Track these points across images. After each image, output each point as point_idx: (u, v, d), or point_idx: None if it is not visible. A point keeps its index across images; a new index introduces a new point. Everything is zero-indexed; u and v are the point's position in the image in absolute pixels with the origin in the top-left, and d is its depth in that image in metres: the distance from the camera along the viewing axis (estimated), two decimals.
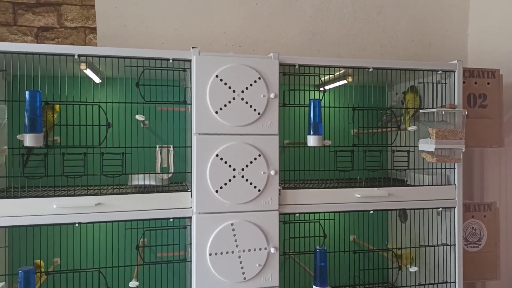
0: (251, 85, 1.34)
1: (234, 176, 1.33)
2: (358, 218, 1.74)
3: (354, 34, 2.04)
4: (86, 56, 1.25)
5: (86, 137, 1.27)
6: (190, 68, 1.33)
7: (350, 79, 1.61)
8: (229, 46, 1.89)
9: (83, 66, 1.34)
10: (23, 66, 1.31)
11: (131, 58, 1.28)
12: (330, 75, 1.60)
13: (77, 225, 1.24)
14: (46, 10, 1.72)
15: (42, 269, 1.33)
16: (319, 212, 1.45)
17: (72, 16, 1.74)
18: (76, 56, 1.24)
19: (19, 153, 1.25)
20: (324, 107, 1.48)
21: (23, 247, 1.38)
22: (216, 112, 1.31)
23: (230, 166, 1.33)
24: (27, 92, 1.18)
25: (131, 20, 1.79)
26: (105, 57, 1.26)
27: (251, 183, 1.34)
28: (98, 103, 1.27)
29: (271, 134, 1.37)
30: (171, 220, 1.32)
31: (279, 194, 1.39)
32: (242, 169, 1.33)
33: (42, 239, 1.41)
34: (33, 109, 1.19)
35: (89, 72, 1.40)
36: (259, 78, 1.34)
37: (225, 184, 1.32)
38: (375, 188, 1.48)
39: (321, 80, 1.44)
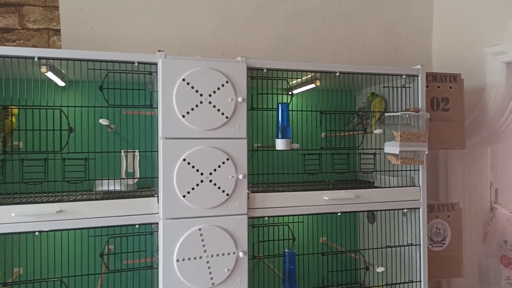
0: (218, 88, 1.33)
1: (202, 181, 1.32)
2: (327, 220, 1.76)
3: (323, 39, 2.07)
4: (47, 58, 1.21)
5: (47, 142, 1.23)
6: (156, 72, 1.31)
7: (318, 83, 1.63)
8: (198, 50, 1.88)
9: (43, 68, 1.29)
10: None
11: (94, 61, 1.25)
12: (298, 79, 1.61)
13: (37, 233, 1.20)
14: (6, 11, 1.65)
15: None
16: (288, 215, 1.46)
17: (34, 18, 1.68)
18: (36, 59, 1.20)
19: None
20: (292, 110, 1.49)
21: None
22: (183, 116, 1.30)
23: (197, 170, 1.31)
24: None
25: (97, 22, 1.75)
26: (67, 59, 1.23)
27: (219, 188, 1.34)
28: (60, 107, 1.23)
29: (239, 138, 1.36)
30: (137, 226, 1.29)
31: (248, 198, 1.39)
32: (210, 173, 1.32)
33: (1, 249, 1.35)
34: None
35: (51, 75, 1.35)
36: (227, 82, 1.34)
37: (193, 188, 1.31)
38: (343, 191, 1.50)
39: (289, 84, 1.45)
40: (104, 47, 1.74)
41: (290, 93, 1.48)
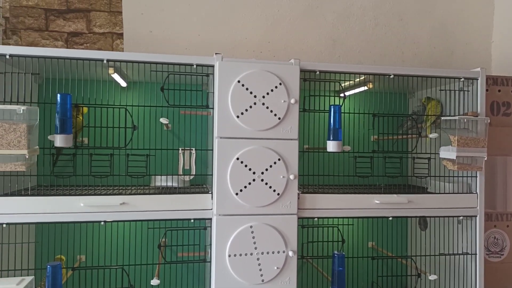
0: (272, 90, 1.36)
1: (254, 180, 1.35)
2: (377, 224, 1.74)
3: (375, 41, 2.05)
4: (114, 61, 1.30)
5: (112, 139, 1.32)
6: (213, 74, 1.37)
7: (371, 86, 1.62)
8: (250, 52, 1.92)
9: (111, 70, 1.39)
10: (54, 70, 1.37)
11: (156, 63, 1.33)
12: (351, 82, 1.61)
13: (102, 223, 1.29)
14: (76, 16, 1.79)
15: (63, 265, 1.38)
16: (338, 217, 1.46)
17: (100, 22, 1.81)
18: (105, 61, 1.30)
19: (50, 153, 1.31)
20: (344, 113, 1.49)
21: (51, 243, 1.44)
22: (238, 117, 1.34)
23: (250, 169, 1.35)
24: (58, 95, 1.23)
25: (156, 26, 1.84)
26: (132, 62, 1.31)
27: (270, 187, 1.37)
28: (125, 106, 1.32)
29: (291, 139, 1.39)
30: (192, 221, 1.35)
31: (298, 198, 1.41)
32: (262, 173, 1.36)
33: (69, 236, 1.46)
34: (64, 111, 1.25)
35: (116, 76, 1.45)
36: (280, 84, 1.37)
37: (245, 187, 1.35)
38: (395, 195, 1.48)
39: (342, 86, 1.45)
40: (162, 49, 1.83)
41: (342, 95, 1.48)
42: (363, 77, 1.56)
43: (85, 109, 1.48)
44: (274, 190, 1.37)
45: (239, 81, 1.35)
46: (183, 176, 1.38)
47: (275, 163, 1.37)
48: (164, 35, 1.85)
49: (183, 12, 1.87)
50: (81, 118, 1.47)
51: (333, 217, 1.45)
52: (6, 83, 1.29)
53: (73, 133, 1.31)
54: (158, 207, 1.33)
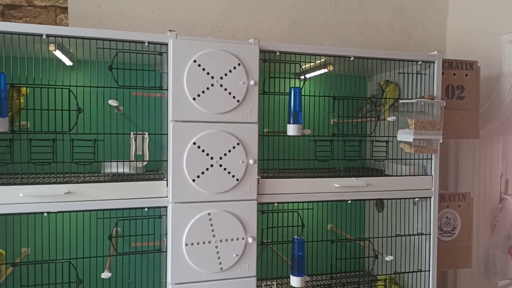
0: (230, 71, 1.30)
1: (211, 165, 1.30)
2: (336, 207, 1.74)
3: (335, 23, 2.02)
4: (55, 36, 1.18)
5: (55, 123, 1.20)
6: (166, 52, 1.28)
7: (331, 68, 1.59)
8: (208, 31, 1.83)
9: (52, 47, 1.26)
10: None
11: (103, 39, 1.22)
12: (311, 63, 1.57)
13: (45, 214, 1.19)
14: None
15: (2, 260, 1.27)
16: (298, 202, 1.44)
17: None
18: (44, 36, 1.17)
19: None
20: (304, 95, 1.46)
21: None
22: (194, 99, 1.27)
23: (207, 154, 1.29)
24: None
25: (106, 0, 1.70)
26: (76, 38, 1.19)
27: (229, 172, 1.31)
28: (68, 87, 1.20)
29: (251, 123, 1.34)
30: (146, 209, 1.28)
31: (258, 183, 1.37)
32: (220, 158, 1.30)
33: (9, 229, 1.34)
34: None
35: (59, 54, 1.32)
36: (239, 65, 1.30)
37: (202, 173, 1.29)
38: (354, 178, 1.48)
39: (302, 68, 1.41)
40: (111, 26, 1.70)
41: (302, 77, 1.44)
42: (323, 59, 1.53)
43: (24, 90, 1.34)
44: (233, 176, 1.32)
45: (195, 61, 1.27)
46: (135, 163, 1.29)
47: (234, 147, 1.32)
48: (114, 10, 1.72)
49: None
50: (20, 99, 1.33)
51: (293, 202, 1.43)
52: None
53: (10, 116, 1.18)
54: (108, 196, 1.24)
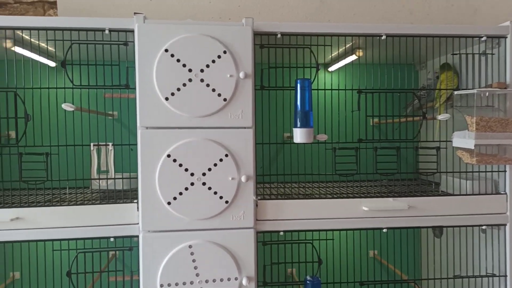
0: (213, 61, 1.00)
1: (192, 183, 1.00)
2: (371, 235, 1.36)
3: (376, 0, 1.62)
4: (4, 28, 0.97)
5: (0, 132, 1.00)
6: (133, 42, 1.01)
7: (361, 53, 1.22)
8: (216, 18, 1.55)
9: (9, 43, 1.06)
10: None
11: (54, 29, 0.98)
12: (330, 47, 1.21)
13: None
14: None
15: None
16: (312, 230, 1.09)
17: None
18: None
19: None
20: (318, 89, 1.11)
21: None
22: (167, 99, 0.99)
23: (186, 170, 1.00)
24: None
25: None
26: (21, 28, 0.97)
27: (215, 193, 1.01)
28: (14, 89, 0.98)
29: (243, 127, 1.02)
30: (112, 239, 1.02)
31: (256, 206, 1.05)
32: (203, 174, 1.00)
33: None
34: None
35: (20, 50, 1.11)
36: (225, 52, 1.00)
37: (180, 193, 1.00)
38: (390, 199, 1.10)
39: (313, 54, 1.07)
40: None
41: (316, 66, 1.10)
42: (351, 43, 1.17)
43: None
44: (221, 197, 1.02)
45: (167, 50, 0.98)
46: (98, 181, 1.04)
47: (221, 160, 1.01)
48: (108, 1, 1.50)
49: None
50: None
51: (305, 230, 1.08)
52: None
53: None
54: (64, 223, 1.00)
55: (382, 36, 1.08)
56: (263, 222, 1.06)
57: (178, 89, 0.99)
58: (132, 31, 1.01)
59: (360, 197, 1.10)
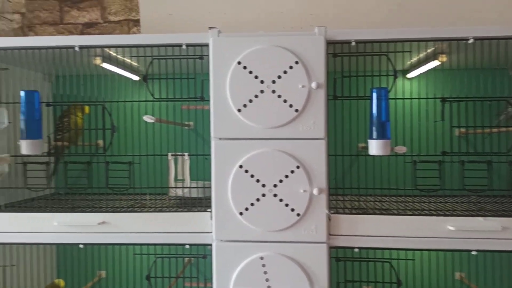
0: (285, 72, 0.99)
1: (263, 195, 1.00)
2: (460, 256, 1.23)
3: (462, 0, 1.50)
4: (87, 47, 1.06)
5: (90, 143, 1.08)
6: (208, 55, 1.04)
7: (444, 58, 1.13)
8: (287, 28, 1.54)
9: (98, 60, 1.16)
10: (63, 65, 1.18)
11: (136, 46, 1.05)
12: (410, 53, 1.13)
13: (81, 246, 1.06)
14: (90, 5, 1.61)
15: None
16: (390, 249, 1.02)
17: (115, 9, 1.60)
18: (77, 48, 1.06)
19: (21, 161, 1.12)
20: (396, 98, 1.05)
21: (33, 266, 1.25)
22: (239, 110, 1.00)
23: (258, 181, 1.00)
24: (22, 92, 1.03)
25: (176, 7, 1.57)
26: (104, 47, 1.05)
27: (286, 205, 1.00)
28: (102, 103, 1.07)
29: (315, 138, 1.00)
30: (187, 247, 1.05)
31: (329, 220, 1.01)
32: (274, 186, 1.00)
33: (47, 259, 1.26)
34: (31, 111, 1.04)
35: (109, 67, 1.21)
36: (297, 63, 0.99)
37: (252, 204, 1.00)
38: (480, 218, 0.99)
39: (391, 61, 1.01)
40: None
41: (394, 74, 1.04)
42: (433, 48, 1.09)
43: (87, 108, 1.27)
44: (293, 210, 1.00)
45: (239, 63, 1.00)
46: (174, 190, 1.08)
47: (292, 172, 1.00)
48: (186, 16, 1.57)
49: None
50: (80, 117, 1.27)
51: (382, 248, 1.02)
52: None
53: (67, 137, 1.11)
54: (144, 228, 1.05)
55: (469, 39, 0.98)
56: (336, 237, 1.02)
57: (250, 101, 1.00)
58: (207, 45, 1.04)
59: (445, 215, 1.01)
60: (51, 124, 1.24)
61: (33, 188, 1.08)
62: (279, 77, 0.99)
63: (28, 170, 1.07)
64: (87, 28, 1.62)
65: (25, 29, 1.63)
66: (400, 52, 1.01)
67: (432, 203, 1.13)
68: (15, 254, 1.16)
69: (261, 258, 1.01)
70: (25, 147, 1.03)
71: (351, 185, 1.09)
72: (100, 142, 1.36)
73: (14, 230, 1.06)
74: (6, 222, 1.07)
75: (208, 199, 1.14)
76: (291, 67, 0.99)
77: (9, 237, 1.06)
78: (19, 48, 1.06)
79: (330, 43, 1.01)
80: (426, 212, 1.05)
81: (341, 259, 1.04)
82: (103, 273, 1.39)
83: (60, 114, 1.19)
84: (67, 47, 1.06)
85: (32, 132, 1.04)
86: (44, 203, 1.09)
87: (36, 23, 1.62)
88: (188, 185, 1.08)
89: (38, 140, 1.04)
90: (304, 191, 1.00)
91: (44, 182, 1.10)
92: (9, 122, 1.03)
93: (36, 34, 1.63)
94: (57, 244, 1.05)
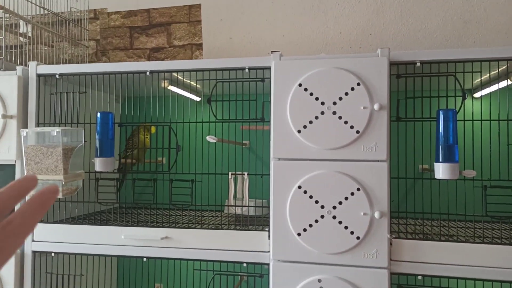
0: (346, 94, 0.99)
1: (322, 216, 1.00)
2: None
3: None
4: (157, 72, 1.13)
5: (156, 161, 1.15)
6: (269, 78, 1.07)
7: None
8: (346, 49, 1.55)
9: (166, 83, 1.24)
10: (128, 88, 1.28)
11: (202, 70, 1.11)
12: (479, 73, 1.09)
13: (145, 259, 1.12)
14: (157, 31, 1.72)
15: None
16: (457, 278, 0.97)
17: (180, 34, 1.70)
18: (148, 73, 1.14)
19: (95, 177, 1.21)
20: (464, 120, 1.00)
21: (94, 276, 1.32)
22: (299, 131, 1.01)
23: (317, 202, 1.00)
24: (98, 114, 1.12)
25: (237, 31, 1.64)
26: (171, 71, 1.12)
27: (346, 227, 0.98)
28: (169, 123, 1.13)
29: (376, 160, 0.98)
30: (245, 265, 1.07)
31: (390, 245, 0.98)
32: (334, 207, 0.99)
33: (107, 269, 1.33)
34: (105, 131, 1.13)
35: (177, 90, 1.29)
36: (358, 84, 0.98)
37: (310, 225, 1.00)
38: None
39: (459, 82, 0.97)
40: (243, 56, 1.61)
41: (462, 95, 1.00)
42: (505, 66, 1.04)
43: (153, 129, 1.35)
44: (352, 232, 0.98)
45: (300, 85, 1.02)
46: (234, 208, 1.11)
47: (352, 194, 0.98)
48: (245, 39, 1.63)
49: (266, 11, 1.62)
50: (148, 137, 1.35)
51: (448, 277, 0.97)
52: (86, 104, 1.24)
53: (135, 154, 1.19)
54: (204, 245, 1.09)
55: None
56: (398, 263, 0.98)
57: (311, 122, 1.01)
58: (269, 68, 1.07)
59: None
60: (122, 142, 1.33)
61: (103, 203, 1.16)
62: (340, 98, 0.99)
63: (99, 185, 1.15)
64: (154, 52, 1.73)
65: (98, 54, 1.78)
66: (469, 72, 0.97)
67: (504, 231, 1.06)
68: (83, 264, 1.24)
69: (319, 280, 1.00)
70: (99, 164, 1.11)
71: (414, 209, 1.05)
72: (160, 159, 1.44)
73: (85, 241, 1.14)
74: (79, 233, 1.15)
75: (265, 217, 1.15)
76: (352, 89, 0.99)
77: (81, 247, 1.14)
78: (97, 74, 1.16)
79: (393, 64, 1.00)
80: (497, 240, 0.98)
81: (403, 286, 1.00)
82: (160, 286, 1.45)
83: (130, 134, 1.27)
84: (139, 72, 1.14)
85: (106, 150, 1.12)
86: (111, 216, 1.17)
87: (109, 48, 1.77)
88: (247, 204, 1.10)
89: (110, 158, 1.13)
90: (365, 214, 0.98)
91: (113, 197, 1.17)
92: (84, 141, 1.12)
93: (108, 58, 1.77)
94: (124, 257, 1.10)
